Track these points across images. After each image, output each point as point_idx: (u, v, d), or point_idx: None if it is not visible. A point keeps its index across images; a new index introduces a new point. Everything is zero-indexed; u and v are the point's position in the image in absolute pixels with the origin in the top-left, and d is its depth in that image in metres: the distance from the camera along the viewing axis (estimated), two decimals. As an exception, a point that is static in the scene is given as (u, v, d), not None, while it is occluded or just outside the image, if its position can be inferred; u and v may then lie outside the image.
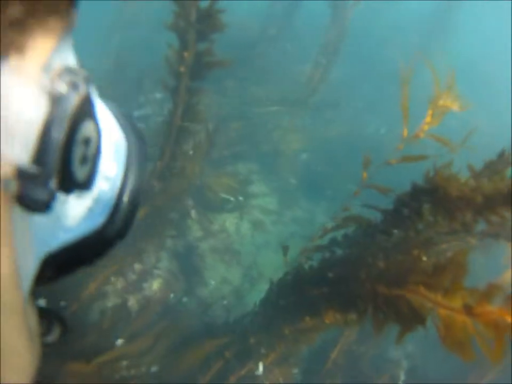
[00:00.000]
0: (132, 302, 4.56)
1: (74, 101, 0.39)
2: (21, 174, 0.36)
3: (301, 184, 6.74)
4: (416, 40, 9.95)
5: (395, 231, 2.43)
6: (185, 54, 3.29)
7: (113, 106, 0.58)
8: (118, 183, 0.52)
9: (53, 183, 0.38)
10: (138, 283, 4.72)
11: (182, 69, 3.36)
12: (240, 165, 6.48)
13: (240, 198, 6.11)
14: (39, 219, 0.42)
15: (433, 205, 2.22)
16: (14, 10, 0.34)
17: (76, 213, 0.48)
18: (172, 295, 4.86)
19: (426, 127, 2.82)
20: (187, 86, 3.48)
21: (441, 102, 2.70)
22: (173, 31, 3.33)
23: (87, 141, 0.43)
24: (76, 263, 0.52)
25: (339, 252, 3.00)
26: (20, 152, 0.35)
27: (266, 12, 8.90)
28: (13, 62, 0.34)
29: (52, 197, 0.38)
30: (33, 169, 0.36)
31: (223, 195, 5.90)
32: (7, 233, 0.37)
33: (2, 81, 0.34)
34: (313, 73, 7.37)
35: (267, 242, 6.05)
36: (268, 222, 6.19)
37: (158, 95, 7.05)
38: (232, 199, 6.02)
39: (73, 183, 0.42)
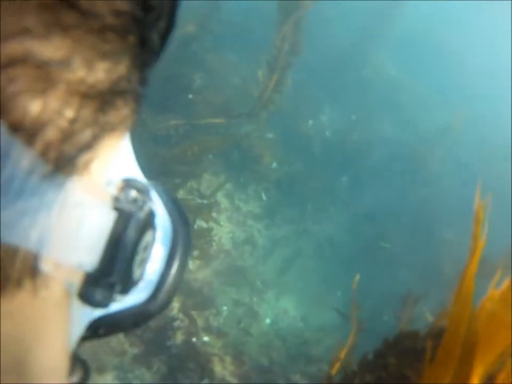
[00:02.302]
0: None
1: (141, 216, 0.40)
2: (86, 278, 0.38)
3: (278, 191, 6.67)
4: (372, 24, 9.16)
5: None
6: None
7: (160, 188, 0.60)
8: (163, 265, 0.55)
9: (117, 289, 0.41)
10: (160, 339, 4.74)
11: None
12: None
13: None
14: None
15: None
16: (88, 133, 0.32)
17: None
18: (194, 340, 4.93)
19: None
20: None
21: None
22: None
23: (146, 247, 0.46)
24: (115, 328, 0.55)
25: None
26: (87, 259, 0.37)
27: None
28: (79, 179, 0.34)
29: (112, 299, 0.41)
30: (98, 274, 0.39)
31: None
32: (65, 321, 0.40)
33: (72, 197, 0.34)
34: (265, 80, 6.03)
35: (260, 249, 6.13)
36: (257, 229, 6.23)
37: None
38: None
39: (131, 285, 0.45)
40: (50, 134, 0.29)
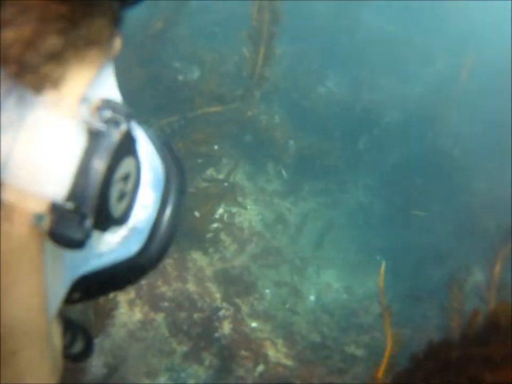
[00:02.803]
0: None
1: (114, 138, 0.37)
2: (55, 210, 0.36)
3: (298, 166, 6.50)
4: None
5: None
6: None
7: (152, 133, 0.58)
8: (155, 211, 0.51)
9: (89, 222, 0.37)
10: (207, 332, 4.64)
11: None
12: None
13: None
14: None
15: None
16: (52, 43, 0.33)
17: (110, 241, 0.49)
18: (246, 328, 4.83)
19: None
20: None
21: None
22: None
23: (126, 177, 0.42)
24: (107, 287, 0.53)
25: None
26: (55, 188, 0.35)
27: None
28: (48, 96, 0.34)
29: (86, 236, 0.37)
30: (68, 205, 0.36)
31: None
32: (37, 268, 0.38)
33: (38, 116, 0.33)
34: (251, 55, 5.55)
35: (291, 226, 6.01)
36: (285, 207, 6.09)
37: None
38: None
39: (109, 221, 0.41)
40: (9, 38, 0.29)
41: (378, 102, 7.38)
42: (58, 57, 0.33)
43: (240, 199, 5.80)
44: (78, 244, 0.37)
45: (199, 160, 5.49)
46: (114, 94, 0.44)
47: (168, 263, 4.84)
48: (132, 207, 0.46)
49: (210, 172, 5.69)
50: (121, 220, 0.43)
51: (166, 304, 4.64)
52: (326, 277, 5.80)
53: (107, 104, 0.38)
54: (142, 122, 0.57)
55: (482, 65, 7.89)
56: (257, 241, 5.57)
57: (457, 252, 5.86)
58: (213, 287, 5.03)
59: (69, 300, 0.51)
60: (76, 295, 0.51)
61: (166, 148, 0.56)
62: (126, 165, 0.41)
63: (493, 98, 8.44)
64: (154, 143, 0.56)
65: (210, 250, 5.18)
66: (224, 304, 4.89)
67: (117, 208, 0.42)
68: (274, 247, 5.63)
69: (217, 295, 4.98)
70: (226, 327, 4.75)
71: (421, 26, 9.74)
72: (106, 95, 0.40)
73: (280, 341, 4.87)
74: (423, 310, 5.40)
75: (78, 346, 0.70)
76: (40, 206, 0.35)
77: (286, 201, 6.19)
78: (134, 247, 0.52)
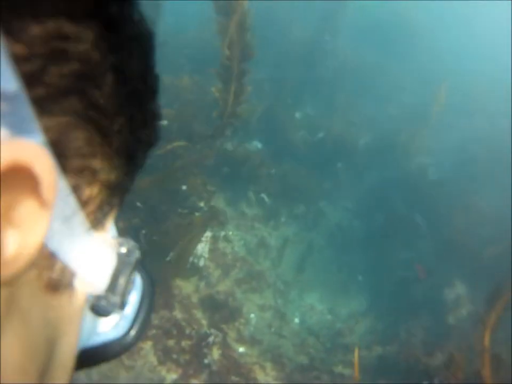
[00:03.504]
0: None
1: (132, 261, 0.57)
2: (98, 295, 0.53)
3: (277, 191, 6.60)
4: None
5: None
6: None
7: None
8: (137, 307, 0.72)
9: (116, 301, 0.55)
10: (197, 359, 4.63)
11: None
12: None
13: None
14: (87, 322, 0.58)
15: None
16: (106, 209, 0.48)
17: (109, 324, 0.68)
18: (235, 353, 4.83)
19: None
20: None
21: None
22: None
23: (132, 281, 0.61)
24: (96, 359, 0.68)
25: None
26: (101, 287, 0.53)
27: None
28: (97, 234, 0.49)
29: (112, 311, 0.55)
30: (108, 296, 0.54)
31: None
32: (78, 327, 0.52)
33: (96, 246, 0.49)
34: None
35: (273, 250, 6.08)
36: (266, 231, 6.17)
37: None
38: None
39: (126, 304, 0.59)
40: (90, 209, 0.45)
41: (353, 125, 7.60)
42: (109, 215, 0.50)
43: (222, 225, 5.85)
44: (105, 314, 0.55)
45: (179, 191, 5.49)
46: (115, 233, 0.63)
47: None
48: (128, 300, 0.63)
49: (191, 201, 5.73)
50: (122, 307, 0.60)
51: (153, 331, 4.62)
52: (309, 299, 5.85)
53: (124, 239, 0.58)
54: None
55: (455, 88, 8.21)
56: (241, 266, 5.61)
57: (438, 267, 6.00)
58: (199, 314, 5.03)
59: None
60: (86, 362, 0.66)
61: (142, 265, 0.72)
62: (134, 274, 0.60)
63: (466, 119, 8.79)
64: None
65: (195, 277, 5.20)
66: (212, 330, 4.89)
67: (128, 297, 0.60)
68: (257, 271, 5.67)
69: (204, 322, 4.98)
70: (215, 353, 4.74)
71: (395, 53, 10.09)
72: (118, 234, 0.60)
73: (268, 365, 4.89)
74: (407, 326, 5.50)
75: None
76: (91, 291, 0.53)
77: (267, 225, 6.26)
78: (121, 331, 0.70)
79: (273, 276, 5.79)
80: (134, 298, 0.73)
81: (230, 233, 5.90)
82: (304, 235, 6.38)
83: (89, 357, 0.66)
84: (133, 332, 0.71)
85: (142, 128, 0.52)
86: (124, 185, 0.52)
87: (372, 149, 7.41)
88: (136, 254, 0.60)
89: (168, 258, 4.91)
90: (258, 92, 6.90)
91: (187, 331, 4.76)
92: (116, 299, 0.56)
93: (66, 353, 0.51)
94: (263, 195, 6.34)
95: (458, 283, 5.94)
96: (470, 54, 10.73)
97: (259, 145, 7.06)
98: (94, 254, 0.51)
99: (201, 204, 5.75)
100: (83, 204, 0.44)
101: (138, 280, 0.76)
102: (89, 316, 0.58)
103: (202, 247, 5.38)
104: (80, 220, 0.44)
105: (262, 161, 6.51)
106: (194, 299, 5.10)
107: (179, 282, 5.09)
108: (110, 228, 0.56)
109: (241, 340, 5.03)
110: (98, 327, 0.68)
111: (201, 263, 5.32)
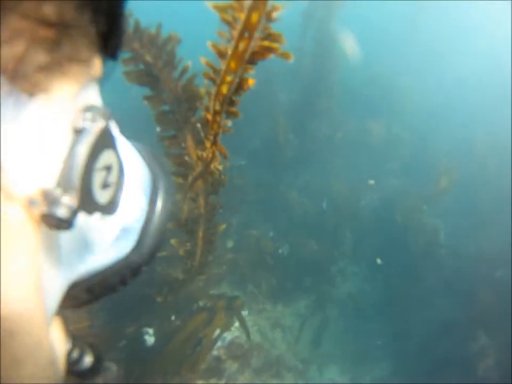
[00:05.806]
0: None
1: (93, 131, 0.45)
2: (45, 195, 0.42)
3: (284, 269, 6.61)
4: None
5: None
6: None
7: (139, 144, 0.64)
8: (144, 214, 0.58)
9: (74, 202, 0.44)
10: None
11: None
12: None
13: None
14: (67, 243, 0.48)
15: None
16: (40, 58, 0.41)
17: (104, 239, 0.54)
18: None
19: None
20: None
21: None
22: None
23: (108, 168, 0.49)
24: (104, 288, 0.57)
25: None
26: (45, 175, 0.42)
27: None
28: (40, 100, 0.41)
29: (73, 215, 0.44)
30: (56, 191, 0.43)
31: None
32: (32, 249, 0.43)
33: (31, 112, 0.41)
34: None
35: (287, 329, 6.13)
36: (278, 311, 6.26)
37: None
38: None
39: (94, 204, 0.47)
40: (6, 54, 0.39)
41: (353, 189, 7.52)
42: (45, 70, 0.42)
43: (234, 310, 5.92)
44: (66, 223, 0.44)
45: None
46: (98, 103, 0.52)
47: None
48: (118, 199, 0.53)
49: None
50: (108, 208, 0.51)
51: None
52: (329, 373, 5.87)
53: (88, 108, 0.47)
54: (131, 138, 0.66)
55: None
56: (258, 353, 5.66)
57: (459, 320, 5.96)
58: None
59: (77, 301, 0.57)
60: (83, 296, 0.57)
61: (152, 156, 0.64)
62: (107, 157, 0.49)
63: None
64: (140, 152, 0.64)
65: (214, 378, 5.27)
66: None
67: (101, 195, 0.49)
68: (275, 356, 5.73)
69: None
70: None
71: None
72: (91, 102, 0.49)
73: None
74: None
75: (86, 363, 0.74)
76: (33, 193, 0.43)
77: (277, 305, 6.33)
78: (126, 248, 0.57)
79: (291, 356, 5.81)
80: (137, 201, 0.57)
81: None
82: (316, 308, 6.39)
83: (96, 284, 0.56)
84: (143, 247, 0.57)
85: None
86: (80, 23, 0.44)
87: (374, 209, 7.44)
88: (102, 123, 0.47)
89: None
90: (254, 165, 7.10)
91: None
92: (70, 198, 0.43)
93: (21, 289, 0.43)
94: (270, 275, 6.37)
95: (483, 335, 5.87)
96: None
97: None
98: (30, 130, 0.41)
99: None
100: None
101: (142, 174, 0.59)
102: (65, 235, 0.47)
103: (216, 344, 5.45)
104: None
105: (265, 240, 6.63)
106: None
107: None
108: (71, 95, 0.46)
109: None
110: (90, 246, 0.53)
111: (217, 360, 5.37)
